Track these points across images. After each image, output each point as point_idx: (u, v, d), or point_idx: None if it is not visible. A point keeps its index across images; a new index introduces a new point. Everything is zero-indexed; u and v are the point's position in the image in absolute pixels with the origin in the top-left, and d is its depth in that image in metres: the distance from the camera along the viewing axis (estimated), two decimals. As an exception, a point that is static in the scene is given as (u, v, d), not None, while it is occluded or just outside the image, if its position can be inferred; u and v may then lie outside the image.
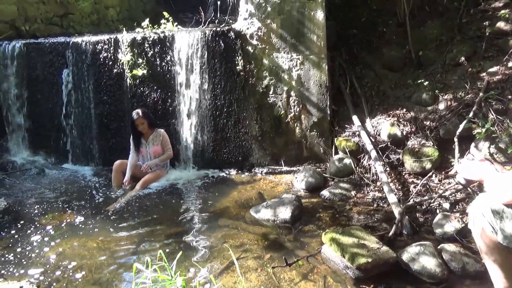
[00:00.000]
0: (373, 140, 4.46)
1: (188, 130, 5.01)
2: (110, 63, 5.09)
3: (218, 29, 4.86)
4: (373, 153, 4.21)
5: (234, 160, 5.01)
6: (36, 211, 3.86)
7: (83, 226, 3.52)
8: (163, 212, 3.84)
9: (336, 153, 4.72)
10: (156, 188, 4.46)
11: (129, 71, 5.02)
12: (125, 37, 4.99)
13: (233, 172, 4.94)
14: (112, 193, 4.35)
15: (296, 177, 4.45)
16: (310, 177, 4.31)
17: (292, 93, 4.82)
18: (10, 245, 3.18)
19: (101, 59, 5.11)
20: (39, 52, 5.34)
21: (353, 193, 4.07)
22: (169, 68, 4.97)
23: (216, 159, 5.03)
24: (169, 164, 4.88)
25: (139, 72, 4.96)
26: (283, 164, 4.90)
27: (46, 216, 3.74)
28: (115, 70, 5.10)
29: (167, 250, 3.04)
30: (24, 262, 2.93)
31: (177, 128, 5.05)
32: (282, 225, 3.47)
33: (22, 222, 3.61)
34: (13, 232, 3.41)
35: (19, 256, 3.01)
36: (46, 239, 3.28)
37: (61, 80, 5.29)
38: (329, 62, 5.00)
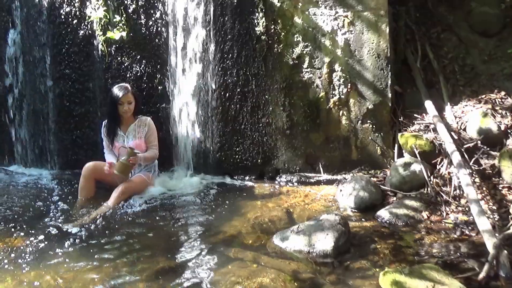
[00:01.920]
0: (455, 137, 4.40)
1: (185, 119, 5.04)
2: (75, 21, 5.16)
3: (230, -28, 4.87)
4: (456, 157, 4.14)
5: (251, 164, 5.01)
6: (-31, 232, 3.92)
7: (37, 254, 3.54)
8: (150, 238, 3.83)
9: (400, 155, 4.67)
10: (140, 202, 4.48)
11: (101, 33, 5.07)
12: (96, -16, 5.05)
13: (249, 180, 4.93)
14: (77, 209, 4.38)
15: (341, 190, 4.42)
16: (361, 190, 4.27)
17: (336, 67, 4.79)
18: None
19: (62, 16, 5.17)
20: (-26, 5, 5.44)
21: (425, 214, 4.01)
22: (158, 29, 5.00)
23: (225, 161, 5.04)
24: (158, 168, 4.92)
25: (116, 35, 5.00)
26: (321, 170, 4.89)
27: (-16, 238, 3.80)
28: (81, 32, 5.17)
29: (154, 293, 3.04)
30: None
31: (168, 117, 5.09)
32: (321, 259, 3.42)
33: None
34: None
35: None
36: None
37: (5, 46, 5.38)
38: (392, 22, 4.94)
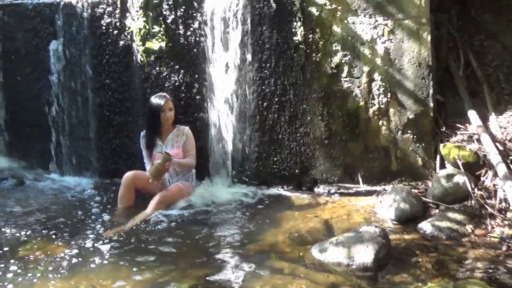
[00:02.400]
0: (501, 148, 4.31)
1: (222, 128, 5.06)
2: (115, 32, 5.25)
3: (268, -19, 4.88)
4: (502, 168, 4.06)
5: (288, 174, 4.99)
6: (12, 238, 4.00)
7: (77, 261, 3.60)
8: (186, 247, 3.86)
9: (443, 166, 4.60)
10: (177, 211, 4.51)
11: (140, 43, 5.14)
12: (136, -5, 5.13)
13: (286, 190, 4.92)
14: (116, 218, 4.46)
15: (380, 201, 4.37)
16: (402, 201, 4.21)
17: (376, 76, 4.74)
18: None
19: (103, 27, 5.27)
20: (19, 17, 5.59)
21: (469, 228, 3.92)
22: (197, 39, 5.03)
23: (262, 171, 5.04)
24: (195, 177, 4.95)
25: (155, 45, 5.06)
26: (360, 180, 4.84)
27: (26, 245, 3.87)
28: (121, 42, 5.25)
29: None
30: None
31: (206, 126, 5.12)
32: (360, 273, 3.37)
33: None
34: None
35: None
36: (23, 277, 3.37)
37: (48, 56, 5.52)
38: (433, 30, 4.86)
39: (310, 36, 4.79)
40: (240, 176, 5.09)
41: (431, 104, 4.68)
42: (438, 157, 4.68)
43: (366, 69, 4.75)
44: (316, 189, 4.90)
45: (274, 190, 4.95)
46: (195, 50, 5.06)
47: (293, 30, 4.79)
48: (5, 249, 3.79)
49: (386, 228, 3.93)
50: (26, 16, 5.55)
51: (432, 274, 3.34)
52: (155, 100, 4.68)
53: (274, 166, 5.02)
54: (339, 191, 4.80)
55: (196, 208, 4.59)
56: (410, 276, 3.32)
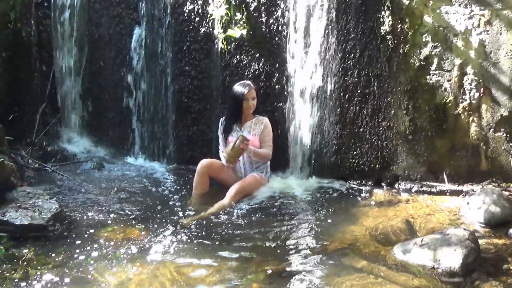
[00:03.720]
0: None
1: (301, 120, 5.03)
2: (197, 19, 5.32)
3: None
4: None
5: (368, 169, 4.94)
6: (93, 220, 4.15)
7: (153, 247, 3.67)
8: (262, 240, 3.85)
9: (538, 168, 4.39)
10: (253, 202, 4.53)
11: (222, 31, 5.19)
12: (219, -19, 5.18)
13: (365, 186, 4.88)
14: (192, 204, 4.53)
15: (468, 202, 4.20)
16: (492, 203, 4.03)
17: (468, 70, 4.59)
18: (62, 264, 3.44)
19: (185, 14, 5.35)
20: (105, 3, 5.79)
21: None
22: (279, 27, 5.02)
23: (340, 165, 5.00)
24: (270, 169, 4.96)
25: (236, 32, 5.08)
26: (445, 179, 4.72)
27: (107, 228, 4.00)
28: (202, 30, 5.32)
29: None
30: (77, 291, 3.15)
31: (284, 117, 5.11)
32: (446, 277, 3.25)
33: (76, 233, 3.91)
34: (66, 246, 3.69)
35: (70, 282, 3.23)
36: (105, 260, 3.48)
37: (130, 42, 5.67)
38: (534, 21, 4.62)
39: (399, 26, 4.68)
40: (317, 169, 5.05)
41: (529, 101, 4.50)
42: (533, 158, 4.48)
43: (458, 62, 4.60)
44: (396, 186, 4.82)
45: (352, 185, 4.91)
46: (276, 38, 5.05)
47: (381, 19, 4.70)
48: (91, 230, 3.94)
49: (474, 231, 3.77)
50: (112, 3, 5.72)
51: (525, 284, 3.17)
52: (238, 88, 4.71)
53: (353, 160, 4.95)
54: (422, 189, 4.69)
55: (272, 200, 4.61)
56: (500, 284, 3.17)
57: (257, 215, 4.29)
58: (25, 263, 3.39)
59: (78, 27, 5.92)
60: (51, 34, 6.07)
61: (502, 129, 4.57)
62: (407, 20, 4.66)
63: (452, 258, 3.31)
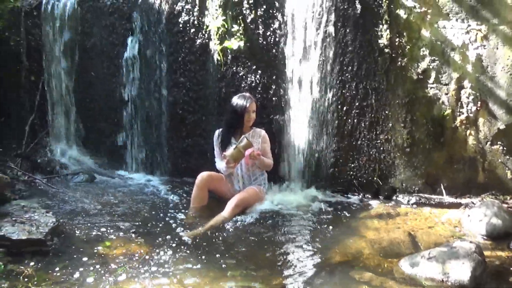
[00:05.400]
0: None
1: (298, 132, 5.03)
2: (193, 30, 5.30)
3: (353, -18, 4.83)
4: None
5: (366, 181, 4.95)
6: (90, 235, 4.06)
7: (156, 262, 3.62)
8: (263, 253, 3.82)
9: (534, 180, 4.46)
10: (252, 215, 4.49)
11: (218, 42, 5.18)
12: (215, -7, 5.17)
13: (364, 198, 4.88)
14: (191, 218, 4.48)
15: (468, 215, 4.22)
16: (493, 216, 4.06)
17: (466, 83, 4.64)
18: (63, 281, 3.36)
19: (181, 25, 5.33)
20: (97, 13, 5.74)
21: None
22: (276, 39, 5.03)
23: (338, 177, 5.01)
24: (268, 180, 4.93)
25: (233, 44, 5.08)
26: (443, 191, 4.76)
27: (105, 242, 3.92)
28: (198, 41, 5.30)
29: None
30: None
31: (281, 129, 5.10)
32: (455, 291, 3.28)
33: (74, 247, 3.82)
34: (65, 262, 3.61)
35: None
36: (106, 276, 3.40)
37: (123, 52, 5.62)
38: (529, 37, 4.71)
39: (397, 39, 4.72)
40: (315, 181, 5.06)
41: (525, 115, 4.56)
42: (529, 171, 4.55)
43: (455, 75, 4.65)
44: (394, 198, 4.84)
45: (350, 197, 4.92)
46: (273, 50, 5.05)
47: (379, 33, 4.73)
48: (89, 245, 3.85)
49: (477, 243, 3.81)
50: (104, 13, 5.67)
51: (534, 296, 3.22)
52: (239, 100, 4.66)
53: (351, 172, 4.98)
54: (420, 201, 4.71)
55: (271, 213, 4.58)
56: (509, 297, 3.22)
57: (257, 228, 4.26)
58: (25, 279, 3.31)
59: (69, 37, 5.85)
60: (40, 44, 5.99)
61: (499, 142, 4.61)
62: (405, 34, 4.70)
63: (461, 271, 3.32)
